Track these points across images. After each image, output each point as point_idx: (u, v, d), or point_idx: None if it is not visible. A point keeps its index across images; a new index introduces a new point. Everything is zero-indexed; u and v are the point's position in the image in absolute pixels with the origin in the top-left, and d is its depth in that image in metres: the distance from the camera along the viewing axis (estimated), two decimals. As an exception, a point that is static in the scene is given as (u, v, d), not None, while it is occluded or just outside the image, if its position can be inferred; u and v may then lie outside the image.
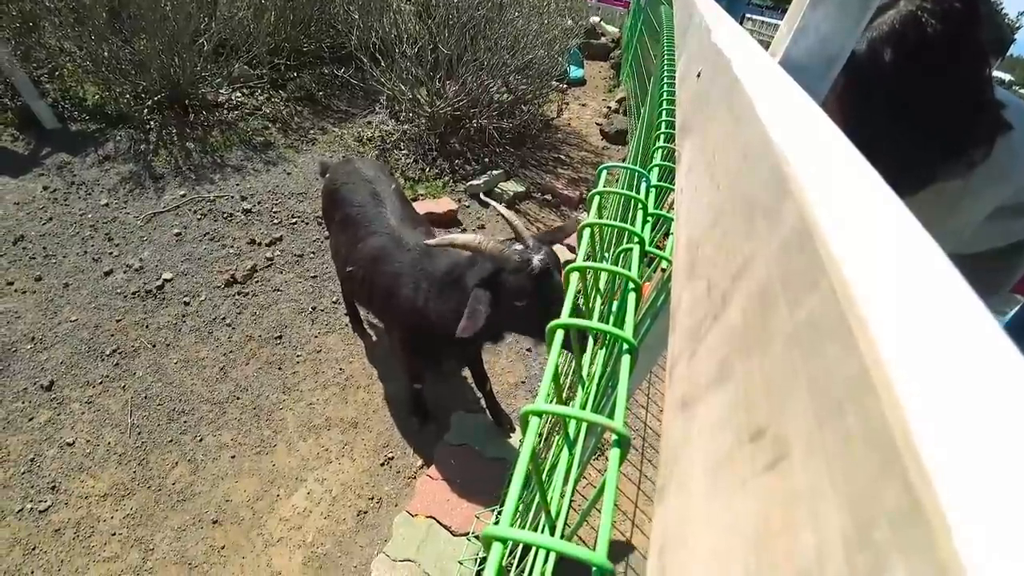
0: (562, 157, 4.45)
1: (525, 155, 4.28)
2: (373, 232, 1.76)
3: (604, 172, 0.63)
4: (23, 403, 2.22)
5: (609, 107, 5.60)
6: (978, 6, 0.86)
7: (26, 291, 2.68)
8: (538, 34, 4.15)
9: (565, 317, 0.39)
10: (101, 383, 2.28)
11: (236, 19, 4.30)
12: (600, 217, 0.52)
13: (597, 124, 5.17)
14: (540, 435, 1.11)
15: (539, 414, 0.32)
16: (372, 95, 4.72)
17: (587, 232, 0.48)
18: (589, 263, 0.43)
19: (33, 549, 1.78)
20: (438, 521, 1.79)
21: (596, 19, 8.28)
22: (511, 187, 3.73)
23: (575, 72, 6.44)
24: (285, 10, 4.84)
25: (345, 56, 4.86)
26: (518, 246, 1.29)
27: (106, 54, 3.84)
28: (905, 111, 0.88)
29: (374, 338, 2.50)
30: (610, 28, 8.43)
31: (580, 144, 4.76)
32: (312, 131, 4.24)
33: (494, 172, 3.84)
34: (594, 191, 0.54)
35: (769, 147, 0.24)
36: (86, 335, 2.45)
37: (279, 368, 2.33)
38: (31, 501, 1.93)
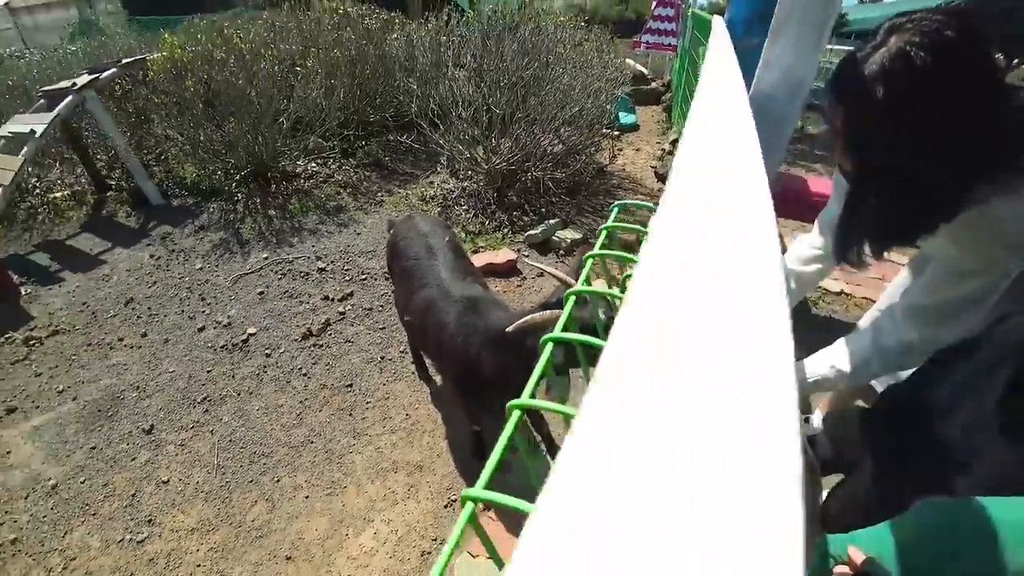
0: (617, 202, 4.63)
1: (581, 202, 4.47)
2: (425, 284, 1.96)
3: (617, 209, 0.78)
4: (127, 444, 2.55)
5: (663, 149, 5.77)
6: (973, 27, 0.88)
7: (133, 346, 3.11)
8: (584, 88, 4.44)
9: (558, 333, 0.53)
10: (193, 427, 2.58)
11: (310, 99, 4.91)
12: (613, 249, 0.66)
13: (651, 167, 5.33)
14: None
15: (521, 408, 0.46)
16: (433, 156, 5.15)
17: (589, 261, 0.63)
18: (584, 287, 0.57)
19: (132, 577, 2.02)
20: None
21: (640, 68, 8.59)
22: (568, 235, 3.89)
23: (626, 118, 6.68)
24: (352, 87, 5.46)
25: (408, 123, 5.38)
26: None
27: (202, 138, 4.49)
28: (912, 144, 0.92)
29: (439, 384, 2.68)
30: (640, 67, 8.73)
31: (635, 188, 4.91)
32: (380, 194, 4.68)
33: (551, 221, 4.03)
34: (603, 226, 0.69)
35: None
36: (181, 384, 2.80)
37: (350, 414, 2.55)
38: (131, 532, 2.19)
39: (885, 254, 1.13)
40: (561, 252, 3.75)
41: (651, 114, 7.37)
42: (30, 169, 4.53)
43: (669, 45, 8.71)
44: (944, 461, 0.89)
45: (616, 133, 6.12)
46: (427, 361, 2.71)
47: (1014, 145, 0.92)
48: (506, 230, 4.07)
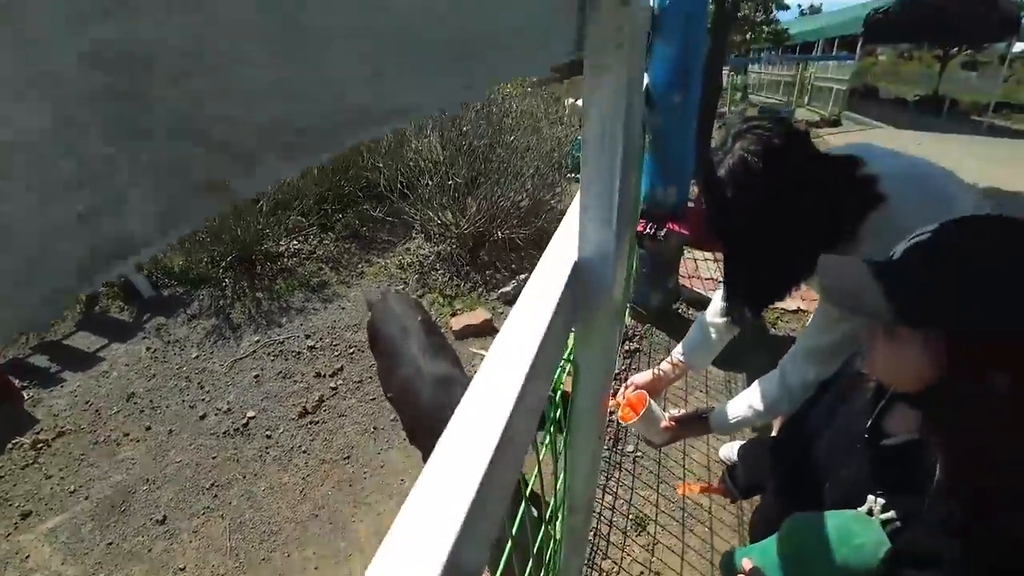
0: None
1: None
2: (401, 363, 2.24)
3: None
4: (142, 537, 2.74)
5: None
6: (795, 132, 1.16)
7: (139, 440, 3.32)
8: (537, 148, 4.85)
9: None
10: (204, 513, 2.79)
11: (285, 182, 5.27)
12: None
13: None
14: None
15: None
16: (407, 224, 5.49)
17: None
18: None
19: (163, 663, 2.20)
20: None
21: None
22: None
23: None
24: (324, 165, 5.84)
25: (380, 192, 5.74)
26: None
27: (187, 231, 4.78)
28: (760, 226, 1.19)
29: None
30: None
31: None
32: (360, 265, 4.99)
33: (521, 277, 4.36)
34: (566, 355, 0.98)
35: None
36: (189, 473, 3.01)
37: (350, 485, 2.78)
38: (155, 623, 2.38)
39: (762, 313, 1.45)
40: None
41: None
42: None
43: None
44: (815, 478, 1.16)
45: (576, 176, 6.49)
46: (417, 427, 2.97)
47: (846, 218, 1.20)
48: (480, 289, 4.39)
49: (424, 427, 2.06)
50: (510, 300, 4.17)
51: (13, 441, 3.55)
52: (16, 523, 2.98)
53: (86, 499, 3.03)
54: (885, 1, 11.60)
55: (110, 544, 2.75)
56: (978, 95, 15.41)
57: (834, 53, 14.53)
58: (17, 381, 4.02)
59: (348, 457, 2.93)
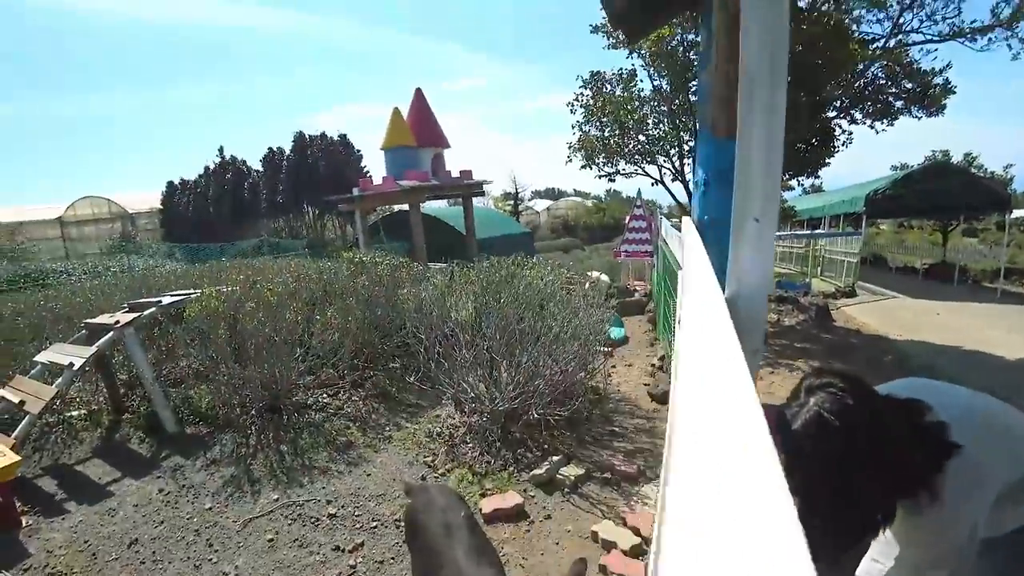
0: (616, 429, 4.92)
1: (582, 433, 4.78)
2: (443, 564, 2.20)
3: None
4: None
5: (653, 364, 6.25)
6: (867, 390, 1.31)
7: (135, 599, 3.10)
8: (574, 336, 5.10)
9: None
10: None
11: (327, 340, 5.54)
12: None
13: (644, 385, 5.76)
14: None
15: None
16: (438, 390, 5.59)
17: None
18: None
19: None
20: None
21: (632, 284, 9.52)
22: (571, 471, 4.13)
23: (615, 332, 7.28)
24: (364, 320, 6.15)
25: (413, 352, 5.94)
26: None
27: (225, 376, 4.95)
28: (839, 479, 1.25)
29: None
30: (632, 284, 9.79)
31: (632, 411, 5.27)
32: (388, 427, 5.01)
33: (554, 459, 4.29)
34: None
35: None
36: (180, 649, 2.76)
37: None
38: None
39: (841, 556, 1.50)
40: (566, 490, 3.97)
41: (638, 325, 8.10)
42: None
43: (646, 253, 10.02)
44: None
45: (608, 349, 6.58)
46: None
47: (924, 468, 1.29)
48: (511, 468, 4.31)
49: None
50: (542, 483, 4.08)
51: (-4, 576, 3.33)
52: None
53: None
54: (881, 183, 12.98)
55: None
56: (986, 262, 16.11)
57: (840, 229, 15.63)
58: (20, 505, 3.89)
59: (359, 656, 2.70)
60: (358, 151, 28.92)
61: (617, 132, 11.71)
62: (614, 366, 6.30)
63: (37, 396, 4.51)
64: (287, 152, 27.64)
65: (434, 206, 21.91)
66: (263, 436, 4.73)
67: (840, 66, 8.26)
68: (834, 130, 9.96)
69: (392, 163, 15.35)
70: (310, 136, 27.79)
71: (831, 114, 9.90)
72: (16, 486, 3.96)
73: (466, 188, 16.38)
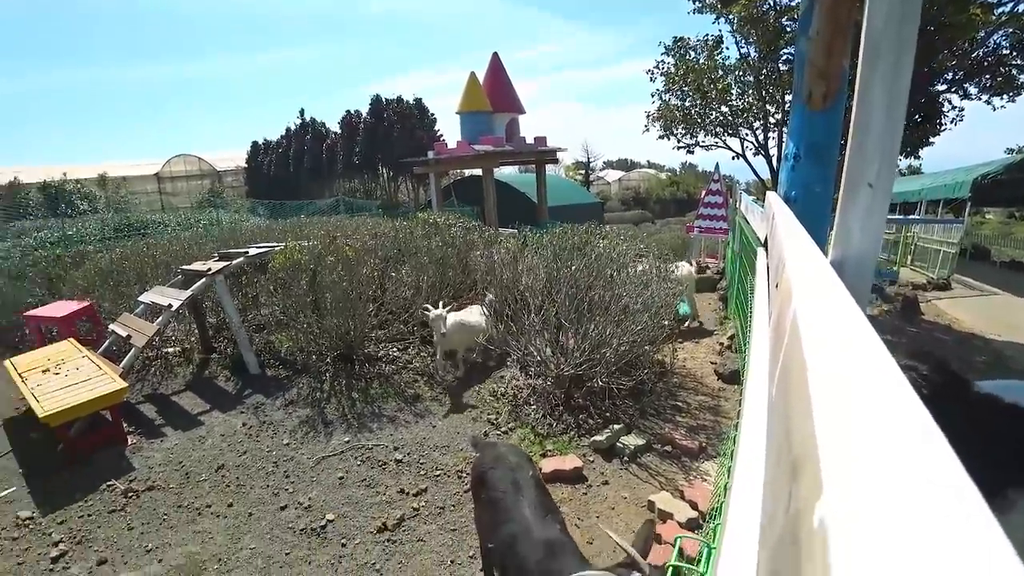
0: (680, 404, 4.92)
1: (644, 405, 4.83)
2: (510, 519, 2.34)
3: (679, 541, 1.21)
4: (202, 620, 2.83)
5: (721, 343, 6.14)
6: (954, 377, 1.33)
7: (219, 515, 3.54)
8: (644, 308, 5.08)
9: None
10: (265, 612, 2.86)
11: (400, 296, 5.83)
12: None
13: (711, 363, 5.69)
14: None
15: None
16: (505, 352, 5.78)
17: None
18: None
19: None
20: None
21: (694, 265, 9.29)
22: (632, 441, 4.20)
23: (684, 308, 7.17)
24: (436, 279, 6.41)
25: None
26: (636, 573, 1.79)
27: (304, 325, 5.35)
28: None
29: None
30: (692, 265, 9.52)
31: (696, 388, 5.24)
32: (454, 384, 5.26)
33: (615, 427, 4.37)
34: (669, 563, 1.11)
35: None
36: (260, 563, 3.14)
37: (415, 620, 2.78)
38: None
39: None
40: (625, 458, 4.05)
41: (707, 302, 7.93)
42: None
43: (721, 229, 9.69)
44: None
45: (678, 327, 6.48)
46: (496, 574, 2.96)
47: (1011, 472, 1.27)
48: (572, 433, 4.44)
49: None
50: (602, 450, 4.18)
51: (107, 484, 3.89)
52: (92, 568, 3.18)
53: (159, 562, 3.20)
54: (992, 167, 11.72)
55: (170, 618, 2.86)
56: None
57: (938, 215, 14.37)
58: (125, 426, 4.47)
59: (420, 588, 2.95)
60: (432, 115, 29.53)
61: (699, 102, 11.24)
62: (681, 342, 6.23)
63: (141, 332, 5.11)
64: (364, 115, 28.70)
65: (506, 172, 22.02)
66: (336, 383, 5.12)
67: (958, 32, 7.41)
68: (942, 105, 9.05)
69: (467, 127, 15.54)
70: (386, 100, 28.65)
71: (941, 87, 8.96)
72: (123, 409, 4.55)
73: (539, 155, 16.32)
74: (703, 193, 10.51)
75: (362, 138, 27.91)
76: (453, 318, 5.18)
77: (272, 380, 5.24)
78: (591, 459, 4.09)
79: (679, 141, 11.72)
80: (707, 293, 8.45)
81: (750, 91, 10.40)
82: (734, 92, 10.70)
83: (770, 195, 2.50)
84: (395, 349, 5.93)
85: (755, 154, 11.02)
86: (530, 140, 16.14)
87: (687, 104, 11.13)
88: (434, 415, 4.69)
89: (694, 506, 3.43)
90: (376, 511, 3.50)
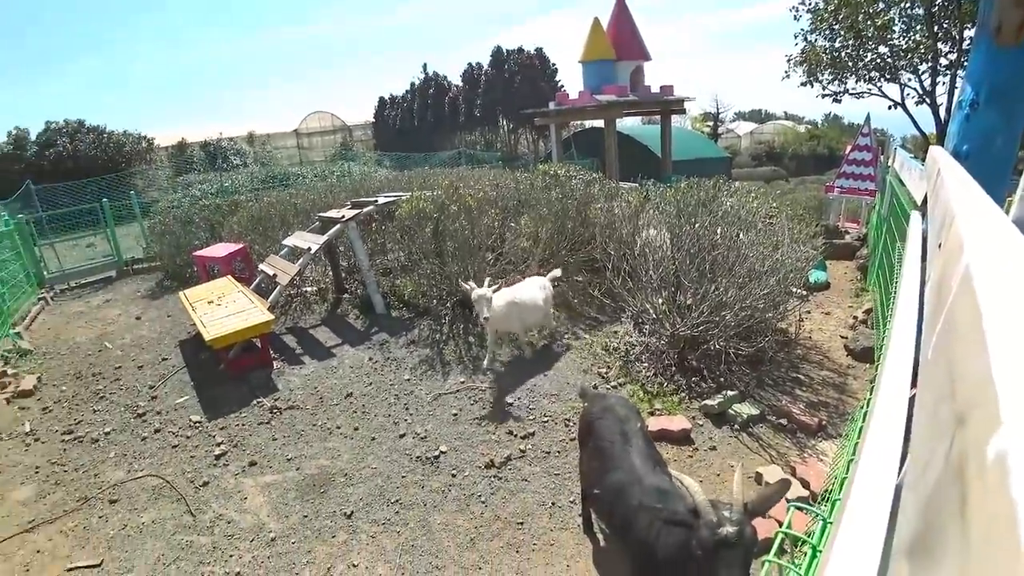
0: (801, 377, 4.60)
1: (762, 374, 4.57)
2: (618, 467, 2.37)
3: (793, 510, 1.15)
4: (331, 522, 3.23)
5: (855, 317, 5.56)
6: None
7: (347, 436, 3.95)
8: (771, 271, 4.71)
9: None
10: (384, 524, 3.18)
11: (519, 246, 5.94)
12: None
13: (841, 338, 5.19)
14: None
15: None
16: (618, 306, 5.72)
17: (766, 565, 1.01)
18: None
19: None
20: None
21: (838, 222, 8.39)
22: (745, 410, 4.02)
23: (816, 276, 6.56)
24: (554, 231, 6.42)
25: (598, 268, 6.09)
26: (726, 511, 1.75)
27: (427, 270, 5.67)
28: None
29: (602, 543, 2.98)
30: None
31: (822, 362, 4.85)
32: (567, 336, 5.34)
33: (729, 393, 4.21)
34: (779, 530, 1.07)
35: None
36: (380, 482, 3.48)
37: (517, 551, 2.95)
38: (322, 603, 2.75)
39: None
40: (736, 426, 3.91)
41: (843, 271, 7.18)
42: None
43: (866, 190, 8.59)
44: None
45: (804, 292, 5.98)
46: (594, 518, 3.04)
47: None
48: (683, 395, 4.34)
49: (634, 536, 2.14)
50: (712, 414, 4.06)
51: (257, 401, 4.48)
52: (245, 467, 3.74)
53: (297, 470, 3.67)
54: None
55: (305, 517, 3.28)
56: None
57: None
58: (271, 353, 5.09)
59: (522, 523, 3.11)
60: (553, 65, 29.02)
61: (851, 42, 9.82)
62: (808, 311, 5.73)
63: (285, 272, 5.72)
64: (485, 67, 28.95)
65: (628, 124, 21.13)
66: (455, 326, 5.41)
67: None
68: None
69: (589, 76, 15.03)
70: (507, 51, 28.58)
71: None
72: (270, 338, 5.17)
73: (665, 104, 15.40)
74: (848, 149, 9.37)
75: (483, 90, 28.25)
76: (503, 298, 4.59)
77: (396, 320, 5.65)
78: (700, 423, 3.99)
79: (824, 88, 10.48)
80: (844, 261, 7.64)
81: (918, 27, 8.96)
82: (896, 29, 9.27)
83: (934, 150, 2.19)
84: (510, 298, 6.11)
85: (918, 103, 9.56)
86: (655, 89, 15.30)
87: (837, 45, 9.86)
88: (546, 364, 4.80)
89: (805, 484, 3.25)
90: (485, 448, 3.71)
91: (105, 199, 10.32)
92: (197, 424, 4.28)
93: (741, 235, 5.01)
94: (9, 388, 5.07)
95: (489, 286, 4.43)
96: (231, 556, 3.06)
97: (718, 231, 5.00)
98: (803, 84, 10.75)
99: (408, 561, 2.94)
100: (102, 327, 6.94)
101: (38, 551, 3.21)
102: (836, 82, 10.13)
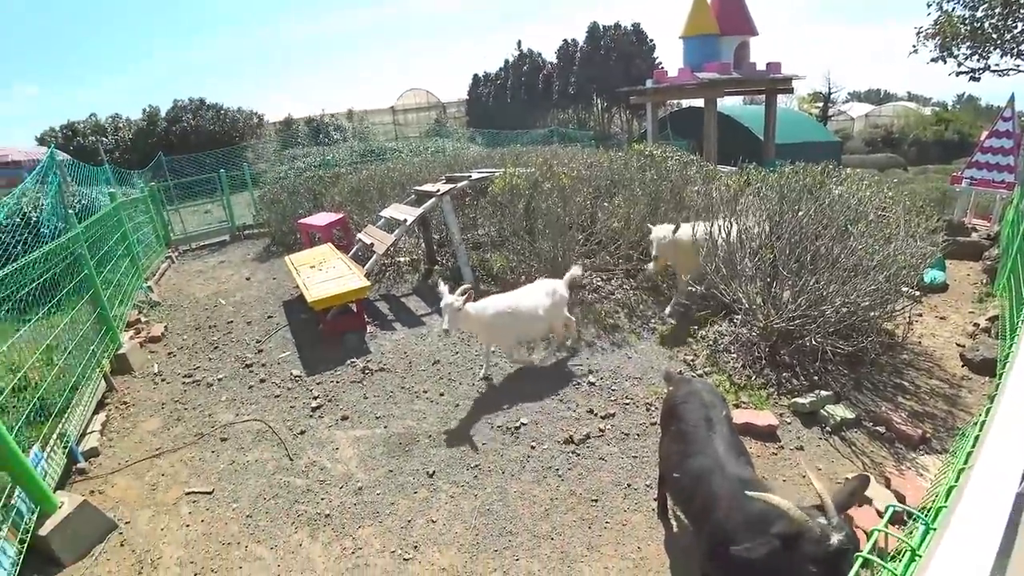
0: (905, 384, 4.26)
1: (861, 377, 4.29)
2: (700, 452, 2.34)
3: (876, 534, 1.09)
4: (413, 479, 3.43)
5: (976, 324, 5.03)
6: None
7: (433, 400, 4.16)
8: (880, 267, 4.35)
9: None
10: (462, 486, 3.34)
11: (611, 227, 5.89)
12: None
13: (958, 346, 4.72)
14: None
15: None
16: (709, 292, 5.54)
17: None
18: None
19: (394, 585, 2.74)
20: None
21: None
22: (839, 412, 3.79)
23: (933, 274, 6.00)
24: (647, 213, 6.29)
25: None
26: (822, 519, 1.68)
27: (517, 246, 5.76)
28: None
29: (675, 529, 2.97)
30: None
31: (931, 370, 4.46)
32: (653, 320, 5.27)
33: (822, 393, 3.98)
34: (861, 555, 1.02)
35: None
36: (461, 447, 3.65)
37: (590, 527, 3.00)
38: (400, 549, 2.96)
39: None
40: (827, 428, 3.71)
41: (966, 272, 6.49)
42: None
43: (1002, 183, 7.60)
44: None
45: (917, 293, 5.39)
46: (669, 504, 3.03)
47: None
48: (772, 390, 4.17)
49: (714, 524, 2.11)
50: (801, 413, 3.88)
51: (351, 361, 4.80)
52: (337, 420, 4.04)
53: (385, 428, 3.92)
54: None
55: (390, 471, 3.51)
56: None
57: None
58: (365, 317, 5.41)
59: (596, 500, 3.16)
60: (651, 41, 28.09)
61: (997, 10, 8.64)
62: (920, 314, 5.23)
63: (381, 241, 6.03)
64: (580, 43, 28.51)
65: (728, 104, 19.91)
66: (540, 304, 5.49)
67: None
68: None
69: (690, 53, 14.30)
70: (604, 27, 27.95)
71: None
72: (364, 303, 5.49)
73: (771, 83, 14.32)
74: (983, 135, 8.34)
75: (578, 67, 27.88)
76: (492, 307, 4.14)
77: (485, 294, 5.80)
78: (788, 420, 3.82)
79: (960, 65, 9.33)
80: (968, 262, 6.88)
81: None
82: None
83: None
84: (599, 279, 6.09)
85: (1081, 82, 8.36)
86: (761, 66, 14.36)
87: (979, 14, 8.72)
88: (631, 347, 4.78)
89: (900, 498, 3.03)
90: (565, 424, 3.78)
91: (222, 170, 11.31)
92: (297, 378, 4.66)
93: (849, 226, 4.69)
94: (143, 334, 5.75)
95: (461, 294, 4.00)
96: (322, 499, 3.34)
97: (823, 220, 4.71)
98: (934, 60, 9.66)
99: (483, 523, 3.07)
100: (217, 285, 7.67)
101: (163, 474, 3.68)
102: (976, 57, 9.01)
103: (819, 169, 5.50)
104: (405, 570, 2.84)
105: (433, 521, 3.12)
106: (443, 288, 4.04)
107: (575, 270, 4.79)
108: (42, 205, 5.79)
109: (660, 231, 5.18)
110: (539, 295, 4.36)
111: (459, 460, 3.55)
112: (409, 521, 3.13)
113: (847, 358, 4.34)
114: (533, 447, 3.60)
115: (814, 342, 4.35)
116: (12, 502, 2.92)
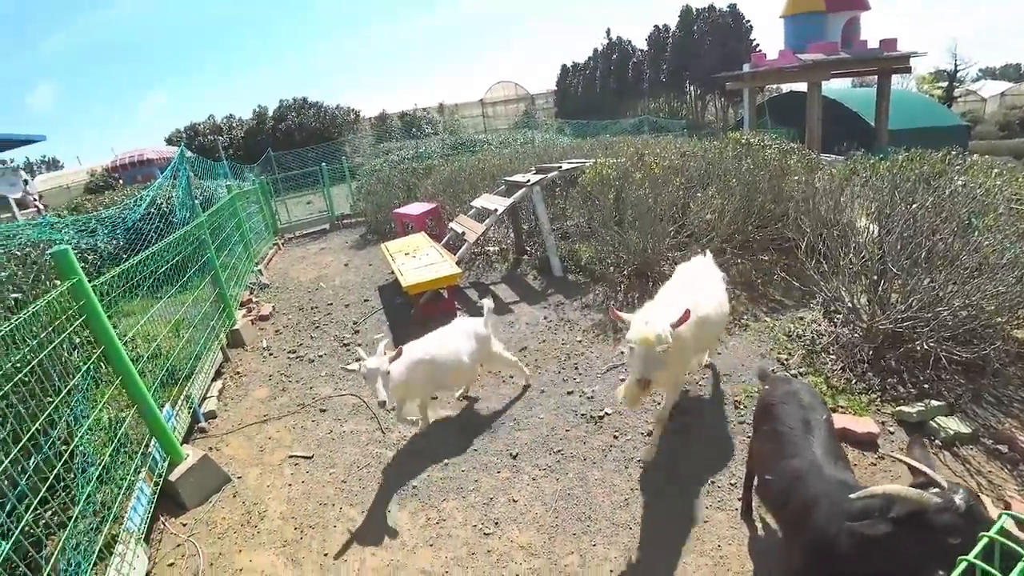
0: None
1: (981, 388, 3.94)
2: (797, 455, 2.29)
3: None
4: (496, 459, 3.60)
5: None
6: None
7: (518, 385, 4.31)
8: (1012, 265, 3.96)
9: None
10: (544, 469, 3.47)
11: (703, 219, 5.78)
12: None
13: None
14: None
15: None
16: (807, 291, 5.32)
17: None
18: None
19: (472, 555, 2.92)
20: None
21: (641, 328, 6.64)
22: (952, 425, 3.51)
23: None
24: (742, 206, 6.10)
25: (786, 248, 5.69)
26: (934, 489, 1.63)
27: (606, 237, 5.80)
28: None
29: (759, 531, 2.94)
30: None
31: None
32: (746, 316, 5.14)
33: (933, 403, 3.71)
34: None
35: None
36: (545, 431, 3.77)
37: (668, 520, 3.03)
38: (482, 524, 3.13)
39: None
40: (937, 442, 3.47)
41: None
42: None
43: None
44: None
45: None
46: (755, 504, 2.99)
47: None
48: (874, 396, 3.94)
49: (811, 529, 2.07)
50: (907, 423, 3.64)
51: (440, 344, 5.06)
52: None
53: (471, 409, 4.13)
54: None
55: (475, 450, 3.71)
56: None
57: None
58: (455, 303, 5.67)
59: (677, 495, 3.17)
60: (748, 23, 26.65)
61: None
62: None
63: (472, 230, 6.28)
64: (672, 29, 27.61)
65: (833, 87, 18.44)
66: (630, 295, 5.53)
67: None
68: None
69: (793, 33, 13.37)
70: (697, 10, 26.88)
71: None
72: (455, 290, 5.75)
73: (884, 62, 13.01)
74: None
75: (670, 54, 27.13)
76: (405, 358, 3.53)
77: (572, 284, 5.92)
78: (891, 429, 3.60)
79: None
80: None
81: None
82: None
83: None
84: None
85: None
86: (873, 44, 13.22)
87: None
88: (721, 343, 4.70)
89: (1021, 524, 2.80)
90: (649, 416, 3.81)
91: (323, 163, 12.17)
92: (392, 359, 4.99)
93: (973, 219, 4.32)
94: (254, 312, 6.35)
95: (385, 352, 3.43)
96: (410, 471, 3.59)
97: (941, 213, 4.37)
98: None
99: (563, 507, 3.18)
100: (318, 270, 8.28)
101: (269, 438, 4.12)
102: None
103: (939, 156, 5.10)
104: (485, 544, 3.00)
105: (514, 500, 3.27)
106: (361, 353, 3.48)
107: (488, 302, 4.09)
108: (173, 197, 6.51)
109: (646, 331, 2.81)
110: (458, 339, 3.87)
111: (542, 444, 3.68)
112: (491, 498, 3.30)
113: (965, 366, 4.02)
114: (616, 436, 3.66)
115: (926, 346, 4.06)
116: (148, 450, 3.41)
